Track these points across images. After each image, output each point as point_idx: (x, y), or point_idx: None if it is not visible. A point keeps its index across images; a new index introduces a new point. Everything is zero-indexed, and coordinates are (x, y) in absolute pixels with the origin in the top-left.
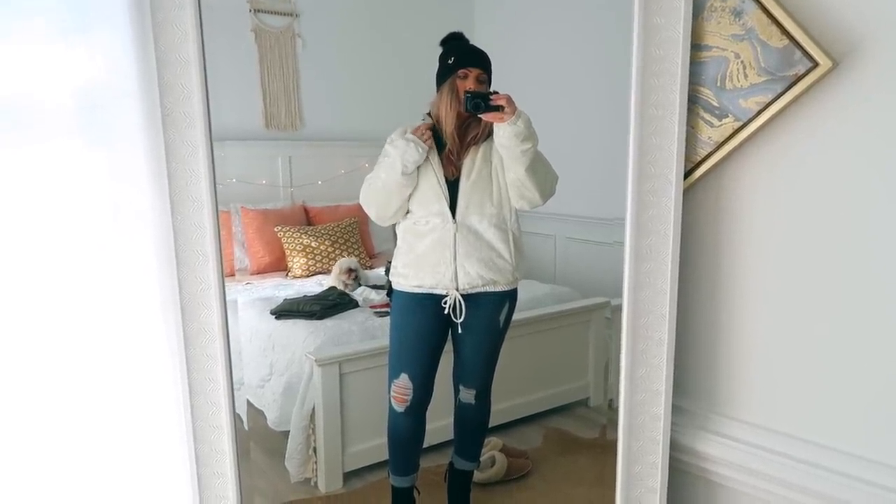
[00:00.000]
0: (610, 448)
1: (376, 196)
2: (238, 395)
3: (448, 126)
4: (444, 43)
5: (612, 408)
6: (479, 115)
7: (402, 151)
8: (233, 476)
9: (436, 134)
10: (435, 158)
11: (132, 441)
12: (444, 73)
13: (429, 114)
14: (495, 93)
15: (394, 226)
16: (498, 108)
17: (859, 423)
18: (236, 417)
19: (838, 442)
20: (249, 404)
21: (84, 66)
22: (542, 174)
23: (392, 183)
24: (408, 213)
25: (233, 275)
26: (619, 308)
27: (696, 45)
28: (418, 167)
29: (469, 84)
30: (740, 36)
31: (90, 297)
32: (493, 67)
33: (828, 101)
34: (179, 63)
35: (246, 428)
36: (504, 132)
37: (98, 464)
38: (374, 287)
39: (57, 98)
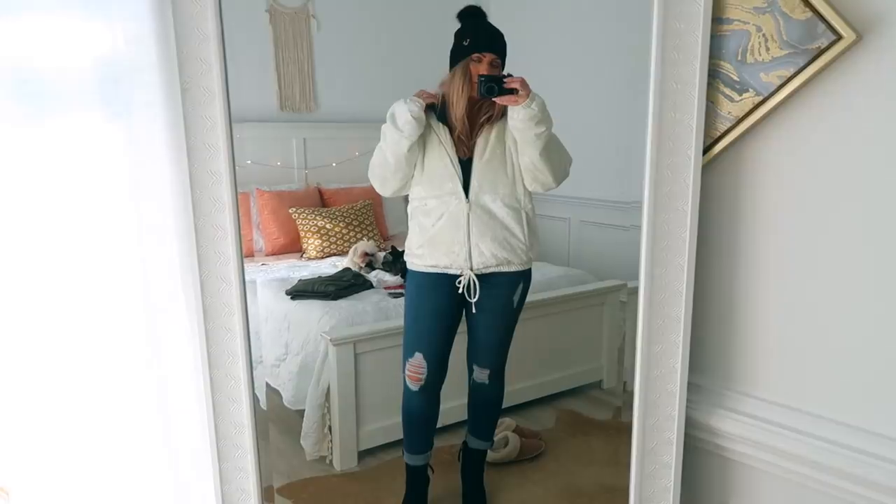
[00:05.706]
0: (622, 430)
1: (380, 166)
2: (256, 374)
3: (458, 110)
4: (461, 17)
5: (627, 390)
6: (493, 99)
7: (402, 111)
8: (251, 449)
9: (444, 112)
10: (447, 138)
11: (151, 413)
12: (458, 54)
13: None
14: (509, 75)
15: (406, 206)
16: (512, 91)
17: (876, 399)
18: (255, 396)
19: (855, 418)
20: (266, 384)
21: (103, 37)
22: (557, 158)
23: (395, 148)
24: (420, 192)
25: (252, 255)
26: (634, 291)
27: (718, 18)
28: (427, 146)
29: (482, 69)
30: (762, 9)
31: (109, 269)
32: (508, 45)
33: (851, 74)
34: (198, 36)
35: (264, 408)
36: (518, 115)
37: (117, 434)
38: (384, 268)
39: (76, 69)
